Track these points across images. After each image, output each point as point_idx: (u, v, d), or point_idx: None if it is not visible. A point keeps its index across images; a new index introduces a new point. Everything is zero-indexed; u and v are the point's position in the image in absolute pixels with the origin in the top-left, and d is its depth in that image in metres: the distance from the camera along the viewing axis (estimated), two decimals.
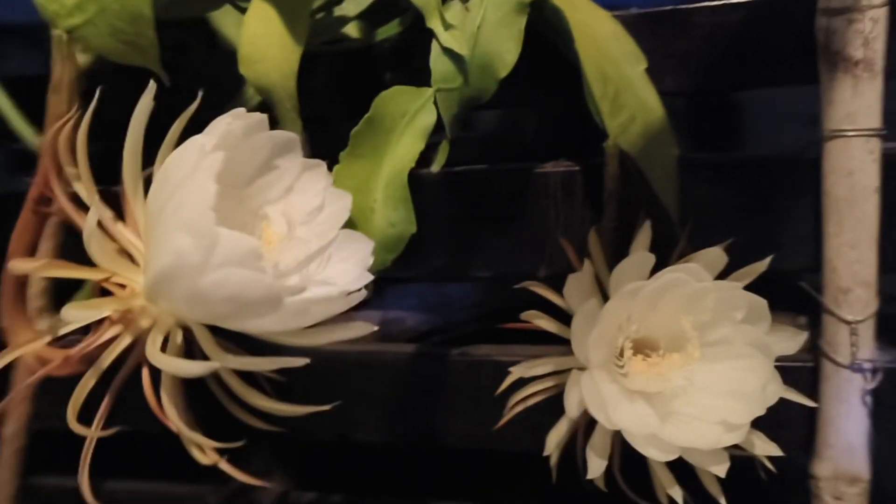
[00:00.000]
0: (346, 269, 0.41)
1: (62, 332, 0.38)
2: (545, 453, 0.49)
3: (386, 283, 0.77)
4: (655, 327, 0.48)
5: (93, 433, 0.34)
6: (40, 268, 0.36)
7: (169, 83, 0.42)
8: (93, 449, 0.42)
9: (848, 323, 0.54)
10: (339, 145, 0.56)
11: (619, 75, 0.55)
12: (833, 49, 0.51)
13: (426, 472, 0.79)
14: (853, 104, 0.51)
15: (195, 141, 0.35)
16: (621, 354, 0.47)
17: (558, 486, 0.53)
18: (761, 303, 0.46)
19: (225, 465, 0.39)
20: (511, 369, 0.48)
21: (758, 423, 0.59)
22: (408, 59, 0.63)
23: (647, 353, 0.47)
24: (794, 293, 0.56)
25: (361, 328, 0.40)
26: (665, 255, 0.51)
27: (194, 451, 0.39)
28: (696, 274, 0.45)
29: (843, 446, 0.56)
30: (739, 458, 0.60)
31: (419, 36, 0.58)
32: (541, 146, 0.72)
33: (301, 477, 0.81)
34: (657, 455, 0.44)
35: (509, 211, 0.64)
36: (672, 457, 0.44)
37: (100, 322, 0.38)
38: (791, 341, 0.48)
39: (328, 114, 0.64)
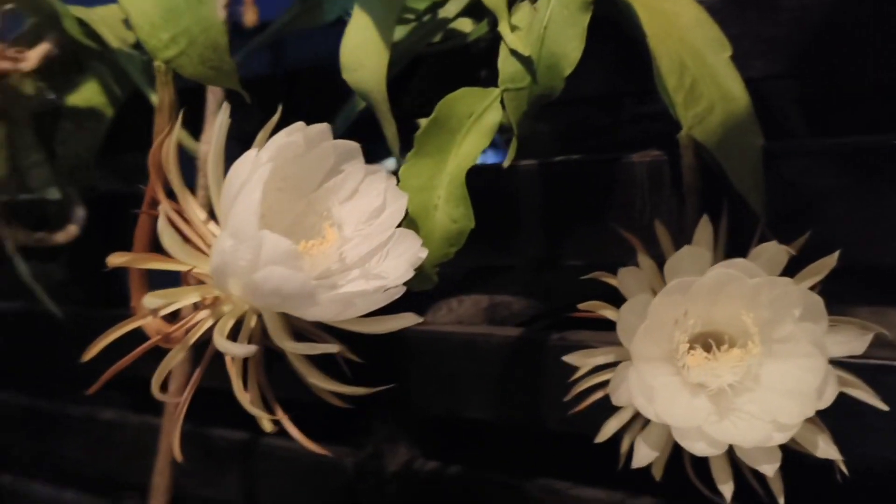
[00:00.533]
0: (398, 265, 0.45)
1: (166, 311, 0.45)
2: (597, 440, 0.51)
3: (493, 270, 0.81)
4: (720, 322, 0.48)
5: (169, 399, 0.41)
6: (134, 260, 0.44)
7: (249, 101, 0.49)
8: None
9: None
10: None
11: (700, 64, 0.54)
12: None
13: (531, 451, 0.82)
14: None
15: (249, 154, 0.41)
16: (679, 348, 0.47)
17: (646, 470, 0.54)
18: (817, 300, 0.44)
19: (295, 433, 0.45)
20: (565, 358, 0.50)
21: (862, 425, 0.56)
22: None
23: (711, 348, 0.47)
24: None
25: (410, 319, 0.44)
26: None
27: (264, 423, 0.45)
28: (747, 269, 0.45)
29: None
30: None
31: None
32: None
33: (424, 448, 0.87)
34: (703, 450, 0.44)
35: (600, 201, 0.65)
36: (717, 452, 0.44)
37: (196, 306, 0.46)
38: (857, 341, 0.45)
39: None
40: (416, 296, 0.61)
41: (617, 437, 0.64)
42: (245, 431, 0.95)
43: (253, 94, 0.86)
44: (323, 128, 0.46)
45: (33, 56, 0.75)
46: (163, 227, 0.40)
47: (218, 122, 0.43)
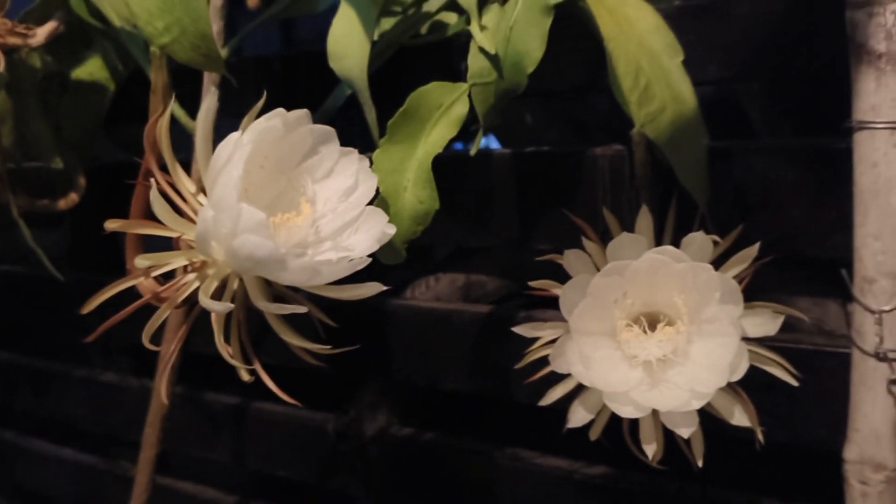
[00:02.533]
0: (364, 239, 0.50)
1: (156, 273, 0.51)
2: (540, 403, 0.56)
3: (471, 251, 0.86)
4: (658, 303, 0.53)
5: (165, 351, 0.46)
6: (128, 225, 0.49)
7: (236, 85, 0.54)
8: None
9: (872, 312, 0.55)
10: None
11: (655, 67, 0.59)
12: (857, 41, 0.52)
13: (501, 420, 0.88)
14: (877, 97, 0.52)
15: (233, 136, 0.47)
16: (617, 325, 0.52)
17: (614, 437, 0.59)
18: (734, 285, 0.49)
19: (270, 384, 0.50)
20: (516, 328, 0.55)
21: (800, 406, 0.62)
22: None
23: (650, 326, 0.52)
24: None
25: (374, 288, 0.49)
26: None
27: (242, 373, 0.50)
28: (675, 256, 0.50)
29: (869, 432, 0.57)
30: (786, 445, 0.62)
31: None
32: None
33: (403, 415, 0.92)
34: (630, 412, 0.50)
35: (567, 190, 0.70)
36: (641, 415, 0.50)
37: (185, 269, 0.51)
38: (770, 324, 0.51)
39: None
40: (397, 273, 0.67)
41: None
42: (236, 396, 1.01)
43: (259, 72, 0.91)
44: (301, 113, 0.51)
45: (41, 33, 0.80)
46: (154, 198, 0.46)
47: (205, 106, 0.48)
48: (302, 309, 0.48)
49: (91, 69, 0.92)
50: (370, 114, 0.65)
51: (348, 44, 0.65)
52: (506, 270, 0.84)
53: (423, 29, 0.76)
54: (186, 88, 0.72)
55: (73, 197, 0.94)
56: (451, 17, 0.76)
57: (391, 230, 0.51)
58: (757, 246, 0.52)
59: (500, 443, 0.84)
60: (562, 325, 0.55)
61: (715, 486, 0.68)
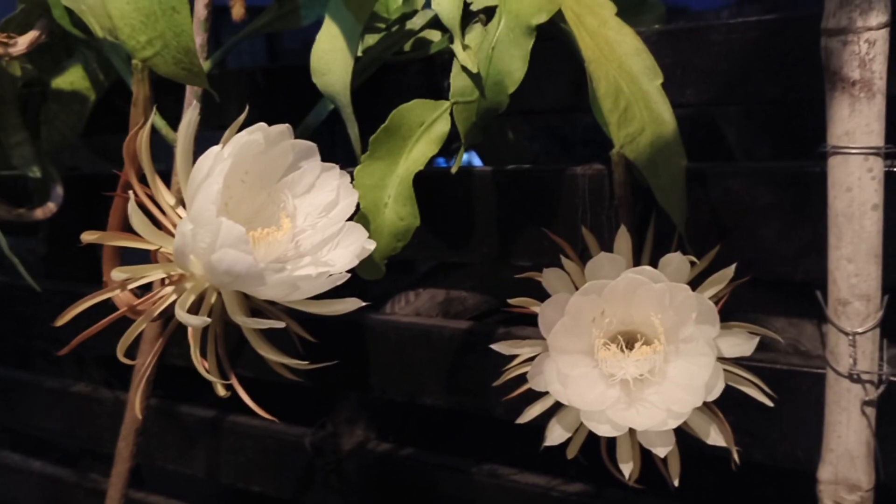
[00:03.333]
0: (344, 255, 0.50)
1: (132, 286, 0.50)
2: (518, 421, 0.56)
3: (451, 267, 0.86)
4: (637, 323, 0.53)
5: (140, 364, 0.46)
6: (106, 237, 0.49)
7: (218, 100, 0.54)
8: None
9: (846, 334, 0.56)
10: None
11: (635, 89, 0.59)
12: (832, 69, 0.53)
13: (480, 437, 0.88)
14: (851, 122, 0.53)
15: (213, 150, 0.46)
16: (594, 343, 0.52)
17: (592, 455, 0.59)
18: (710, 306, 0.50)
19: (246, 399, 0.50)
20: (494, 346, 0.56)
21: (776, 426, 0.62)
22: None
23: (627, 345, 0.52)
24: None
25: (353, 303, 0.49)
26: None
27: (217, 388, 0.50)
28: (653, 276, 0.50)
29: (843, 453, 0.58)
30: (763, 464, 0.63)
31: None
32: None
33: (380, 430, 0.92)
34: (607, 431, 0.50)
35: (547, 207, 0.70)
36: (617, 433, 0.50)
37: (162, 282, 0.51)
38: (745, 344, 0.51)
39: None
40: (378, 286, 0.66)
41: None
42: (212, 409, 1.00)
43: (241, 85, 0.91)
44: (283, 128, 0.51)
45: (23, 42, 0.79)
46: (132, 210, 0.45)
47: (185, 119, 0.48)
48: (279, 324, 0.48)
49: (72, 78, 0.92)
50: (353, 130, 0.65)
51: (332, 59, 0.65)
52: (486, 286, 0.84)
53: (406, 46, 0.76)
54: (169, 99, 0.72)
55: (51, 206, 0.94)
56: (434, 35, 0.76)
57: (371, 246, 0.51)
58: (733, 267, 0.52)
59: (479, 459, 0.84)
60: (540, 343, 0.56)
61: None
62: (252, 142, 0.48)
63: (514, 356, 0.57)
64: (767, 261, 0.62)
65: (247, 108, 0.52)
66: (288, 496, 0.97)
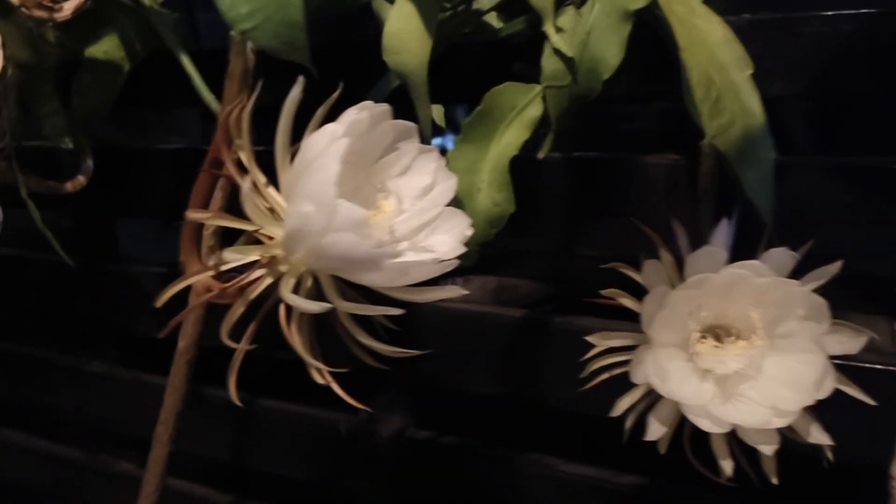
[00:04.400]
0: (446, 240, 0.49)
1: (224, 268, 0.48)
2: (612, 414, 0.55)
3: (505, 254, 0.85)
4: (730, 316, 0.53)
5: (240, 347, 0.44)
6: (208, 218, 0.47)
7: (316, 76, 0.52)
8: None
9: None
10: None
11: (725, 79, 0.58)
12: None
13: (527, 427, 0.87)
14: None
15: (328, 128, 0.45)
16: (691, 337, 0.52)
17: (636, 446, 0.59)
18: (821, 302, 0.49)
19: (337, 389, 0.48)
20: (588, 338, 0.55)
21: (848, 422, 0.62)
22: (536, 53, 0.69)
23: (721, 338, 0.52)
24: None
25: (453, 290, 0.48)
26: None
27: (314, 373, 0.48)
28: (757, 270, 0.49)
29: None
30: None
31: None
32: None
33: (419, 418, 0.91)
34: (709, 426, 0.49)
35: (617, 197, 0.69)
36: (721, 430, 0.49)
37: (252, 264, 0.49)
38: (853, 342, 0.51)
39: (466, 98, 0.72)
40: None
41: (607, 418, 0.69)
42: (241, 391, 0.98)
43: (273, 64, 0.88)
44: (385, 107, 0.49)
45: (68, 7, 0.76)
46: (247, 194, 0.43)
47: (291, 96, 0.46)
48: (395, 311, 0.46)
49: (106, 47, 0.88)
50: (425, 111, 0.63)
51: (407, 38, 0.63)
52: (539, 274, 0.83)
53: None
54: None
55: (81, 179, 0.91)
56: (494, 20, 0.75)
57: (471, 231, 0.49)
58: (839, 263, 0.51)
59: (523, 448, 0.83)
60: (630, 335, 0.55)
61: (753, 500, 0.68)
62: (360, 120, 0.46)
63: (575, 348, 0.56)
64: (844, 256, 0.61)
65: (340, 85, 0.50)
66: (319, 481, 0.95)
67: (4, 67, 0.72)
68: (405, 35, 0.64)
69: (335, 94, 0.49)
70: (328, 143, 0.44)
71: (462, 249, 0.48)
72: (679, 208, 0.66)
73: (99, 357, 1.16)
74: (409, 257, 0.47)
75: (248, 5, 0.49)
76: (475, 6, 0.72)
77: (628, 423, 0.56)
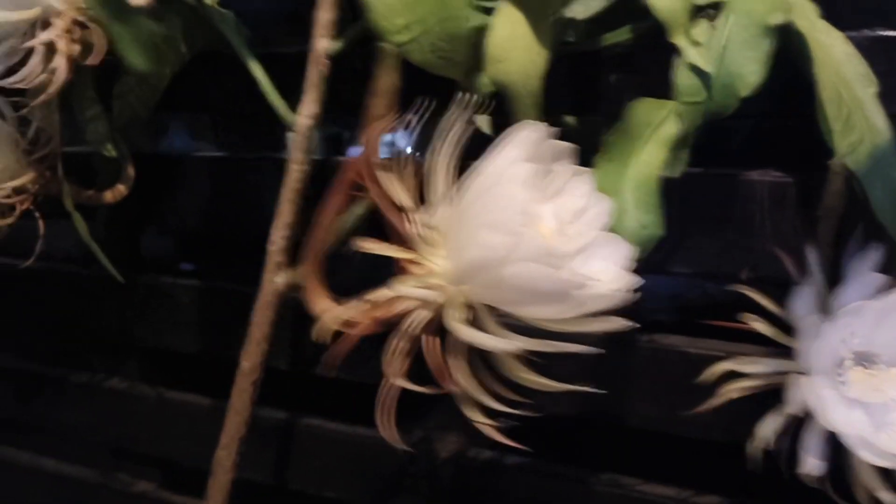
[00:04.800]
0: (607, 268, 0.46)
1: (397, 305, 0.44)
2: (755, 444, 0.53)
3: None
4: (880, 343, 0.51)
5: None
6: (380, 248, 0.43)
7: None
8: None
9: None
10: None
11: (852, 97, 0.57)
12: None
13: (597, 446, 0.85)
14: None
15: (506, 154, 0.42)
16: (842, 365, 0.50)
17: (727, 471, 0.57)
18: None
19: (490, 429, 0.46)
20: (723, 364, 0.53)
21: None
22: (635, 65, 0.67)
23: (869, 366, 0.50)
24: None
25: (618, 323, 0.45)
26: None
27: (468, 410, 0.45)
28: None
29: None
30: None
31: (648, 44, 0.62)
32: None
33: (478, 437, 0.88)
34: (870, 458, 0.48)
35: (715, 213, 0.67)
36: (886, 463, 0.48)
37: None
38: None
39: (557, 110, 0.69)
40: None
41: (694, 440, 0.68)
42: (287, 411, 0.94)
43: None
44: (549, 128, 0.46)
45: None
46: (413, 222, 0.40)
47: (453, 111, 0.43)
48: (580, 348, 0.43)
49: None
50: None
51: (511, 47, 0.60)
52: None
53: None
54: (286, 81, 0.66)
55: (121, 189, 0.86)
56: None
57: (633, 258, 0.47)
58: None
59: (596, 468, 0.81)
60: (771, 362, 0.53)
61: None
62: (535, 142, 0.43)
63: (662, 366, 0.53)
64: None
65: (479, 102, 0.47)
66: (367, 503, 0.92)
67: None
68: (509, 44, 0.61)
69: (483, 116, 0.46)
70: (507, 167, 0.41)
71: (627, 277, 0.45)
72: (782, 227, 0.64)
73: (118, 373, 1.10)
74: (594, 288, 0.44)
75: (405, 17, 0.46)
76: (568, 15, 0.70)
77: (755, 449, 0.55)
